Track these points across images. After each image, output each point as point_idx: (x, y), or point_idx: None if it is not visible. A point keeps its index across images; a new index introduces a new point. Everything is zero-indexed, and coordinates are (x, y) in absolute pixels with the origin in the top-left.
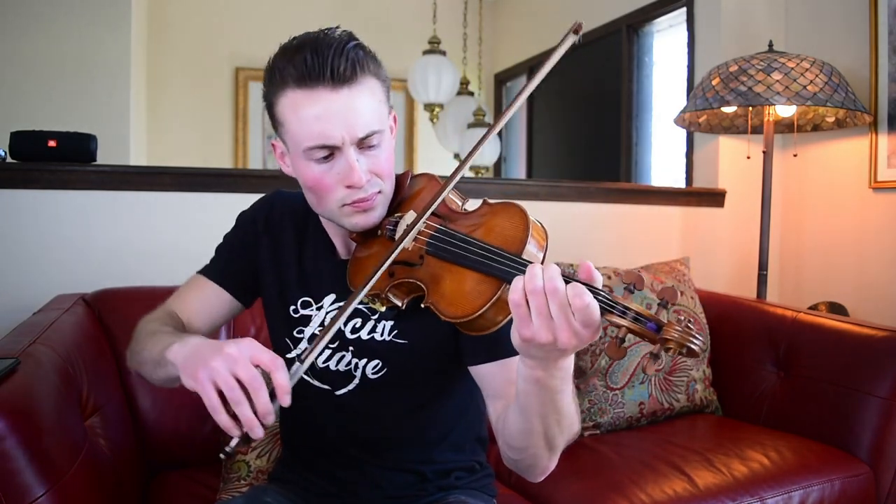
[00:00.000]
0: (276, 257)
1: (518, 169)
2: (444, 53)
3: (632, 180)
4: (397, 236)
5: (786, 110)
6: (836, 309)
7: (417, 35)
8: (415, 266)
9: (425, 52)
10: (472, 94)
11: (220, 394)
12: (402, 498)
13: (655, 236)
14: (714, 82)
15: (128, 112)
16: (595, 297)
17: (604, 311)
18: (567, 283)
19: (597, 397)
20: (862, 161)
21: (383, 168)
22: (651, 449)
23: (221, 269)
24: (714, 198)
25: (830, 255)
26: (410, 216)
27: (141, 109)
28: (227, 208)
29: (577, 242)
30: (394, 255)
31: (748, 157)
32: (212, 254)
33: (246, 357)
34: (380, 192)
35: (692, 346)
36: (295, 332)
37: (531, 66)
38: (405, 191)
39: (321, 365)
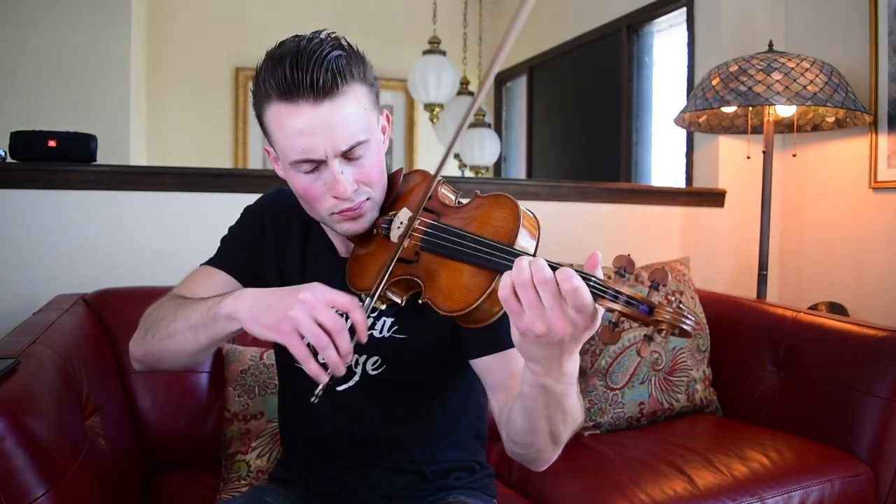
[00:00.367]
0: (280, 253)
1: (518, 169)
2: (444, 53)
3: (632, 180)
4: (391, 234)
5: (786, 110)
6: (836, 309)
7: (417, 35)
8: (411, 263)
9: (425, 52)
10: (472, 94)
11: (306, 342)
12: (402, 498)
13: (655, 236)
14: (714, 82)
15: (128, 112)
16: (586, 283)
17: (596, 297)
18: (554, 269)
19: (597, 397)
20: (862, 161)
21: (370, 176)
22: (651, 449)
23: (228, 258)
24: (714, 198)
25: (830, 255)
26: (404, 214)
27: (141, 109)
28: (227, 208)
29: (577, 242)
30: (395, 259)
31: (748, 157)
32: (211, 253)
33: (323, 301)
34: (368, 199)
35: (684, 326)
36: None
37: (531, 66)
38: (399, 188)
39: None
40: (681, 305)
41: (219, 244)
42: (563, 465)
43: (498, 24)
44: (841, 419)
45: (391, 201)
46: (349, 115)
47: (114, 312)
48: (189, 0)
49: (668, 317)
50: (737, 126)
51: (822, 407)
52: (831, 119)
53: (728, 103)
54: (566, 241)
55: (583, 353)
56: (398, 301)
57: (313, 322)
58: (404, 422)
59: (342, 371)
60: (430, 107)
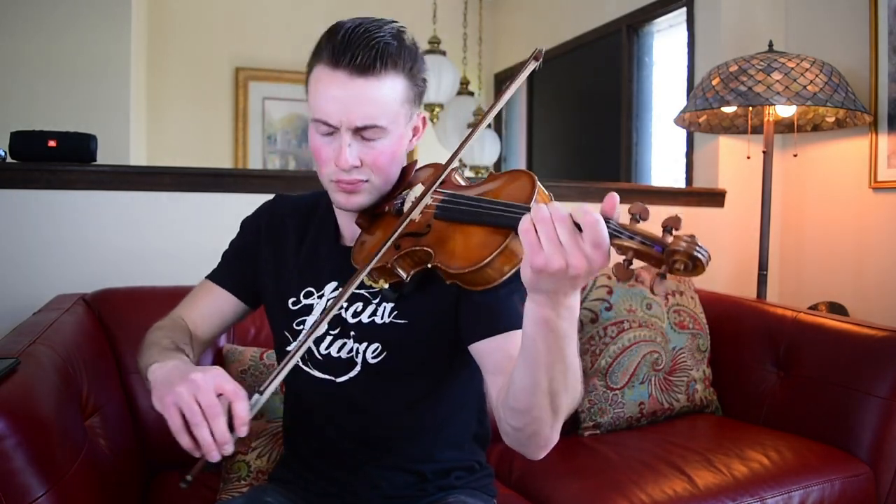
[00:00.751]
0: (276, 256)
1: None
2: (444, 53)
3: (632, 180)
4: (405, 208)
5: (786, 110)
6: (836, 309)
7: (417, 35)
8: (421, 235)
9: (425, 52)
10: (472, 94)
11: (185, 418)
12: (402, 498)
13: None
14: (714, 82)
15: (128, 112)
16: (607, 224)
17: (612, 237)
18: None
19: (597, 397)
20: (862, 161)
21: (377, 161)
22: (651, 449)
23: (226, 273)
24: (714, 198)
25: (830, 255)
26: (418, 189)
27: (141, 109)
28: (227, 208)
29: None
30: (404, 224)
31: (748, 157)
32: (211, 253)
33: (210, 385)
34: (367, 181)
35: (698, 254)
36: (294, 325)
37: None
38: (411, 178)
39: (323, 352)
40: (696, 240)
41: (220, 258)
42: (563, 465)
43: (498, 24)
44: (841, 419)
45: (402, 190)
46: (376, 97)
47: (114, 312)
48: (189, 0)
49: (683, 246)
50: (737, 126)
51: (822, 407)
52: (831, 119)
53: (728, 103)
54: None
55: (583, 353)
56: (403, 276)
57: (193, 400)
58: (403, 414)
59: (215, 455)
60: (430, 107)
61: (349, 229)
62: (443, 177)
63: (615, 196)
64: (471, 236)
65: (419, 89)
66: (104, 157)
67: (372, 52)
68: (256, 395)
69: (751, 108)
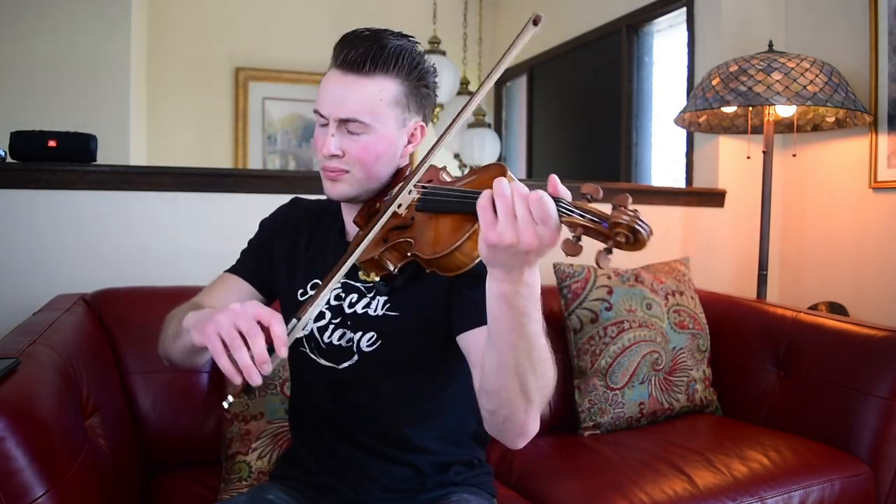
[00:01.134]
0: (289, 252)
1: (518, 169)
2: (444, 53)
3: (632, 180)
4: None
5: (786, 110)
6: (836, 309)
7: (417, 35)
8: (406, 228)
9: (425, 52)
10: (471, 94)
11: (224, 343)
12: (402, 492)
13: (655, 236)
14: (714, 82)
15: (128, 112)
16: (556, 203)
17: (561, 215)
18: None
19: (597, 397)
20: (862, 161)
21: (357, 155)
22: (651, 449)
23: (244, 265)
24: (714, 198)
25: (830, 255)
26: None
27: (141, 109)
28: (227, 208)
29: None
30: (388, 211)
31: (748, 157)
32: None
33: (248, 311)
34: (348, 171)
35: (639, 227)
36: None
37: (531, 66)
38: (404, 179)
39: (326, 340)
40: (639, 214)
41: (239, 255)
42: (563, 465)
43: (498, 24)
44: (841, 419)
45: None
46: (362, 95)
47: (114, 312)
48: (189, 0)
49: (626, 219)
50: (737, 126)
51: (822, 407)
52: (831, 119)
53: (728, 103)
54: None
55: (583, 353)
56: (391, 268)
57: (232, 327)
58: (400, 404)
59: (256, 379)
60: None
61: (352, 227)
62: (427, 164)
63: (555, 177)
64: (445, 224)
65: (417, 99)
66: (104, 157)
67: (363, 53)
68: (294, 320)
69: (751, 108)
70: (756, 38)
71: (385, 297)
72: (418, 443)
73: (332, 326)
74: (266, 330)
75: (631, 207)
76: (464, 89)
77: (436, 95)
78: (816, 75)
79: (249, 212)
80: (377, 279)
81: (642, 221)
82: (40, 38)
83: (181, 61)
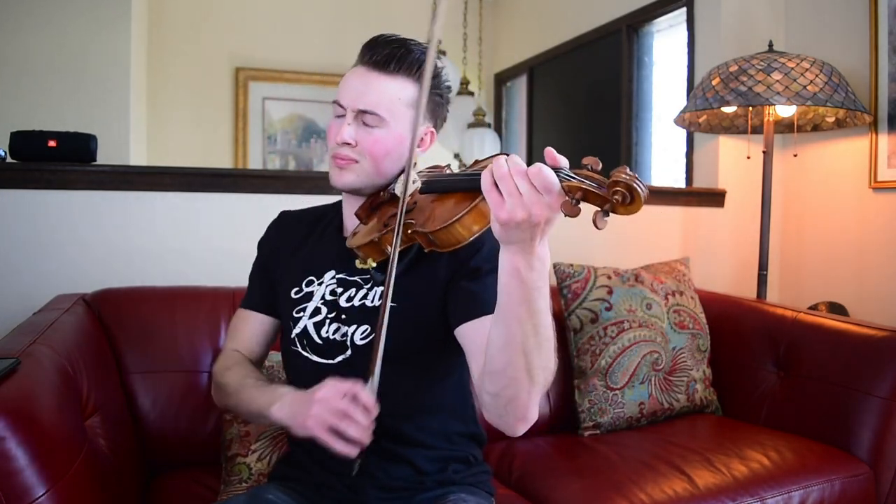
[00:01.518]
0: (285, 260)
1: None
2: (444, 53)
3: None
4: (396, 189)
5: (786, 110)
6: (836, 309)
7: (417, 35)
8: (407, 212)
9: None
10: (472, 94)
11: (332, 430)
12: (401, 490)
13: (655, 236)
14: (714, 82)
15: (128, 112)
16: (556, 172)
17: (562, 180)
18: None
19: (597, 397)
20: (862, 161)
21: (370, 147)
22: (651, 449)
23: (251, 297)
24: (714, 198)
25: (830, 255)
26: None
27: (141, 109)
28: (227, 208)
29: (576, 242)
30: (406, 196)
31: (748, 157)
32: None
33: (333, 394)
34: (356, 161)
35: (637, 186)
36: (294, 313)
37: (531, 66)
38: None
39: (323, 336)
40: (636, 176)
41: (248, 282)
42: (563, 465)
43: (498, 24)
44: (841, 419)
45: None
46: (383, 91)
47: (114, 312)
48: (189, 0)
49: (624, 178)
50: (737, 126)
51: (822, 407)
52: (831, 119)
53: (728, 103)
54: (565, 241)
55: (583, 353)
56: (390, 252)
57: (331, 415)
58: (395, 397)
59: (367, 439)
60: None
61: (351, 221)
62: (417, 136)
63: (551, 149)
64: (447, 202)
65: (432, 106)
66: (104, 157)
67: (389, 54)
68: (369, 380)
69: (751, 108)
70: (756, 38)
71: (381, 288)
72: (413, 437)
73: (327, 321)
74: (355, 399)
75: (629, 172)
76: (464, 89)
77: (447, 109)
78: (816, 75)
79: (249, 212)
80: (374, 265)
81: (639, 181)
82: (40, 38)
83: (181, 61)
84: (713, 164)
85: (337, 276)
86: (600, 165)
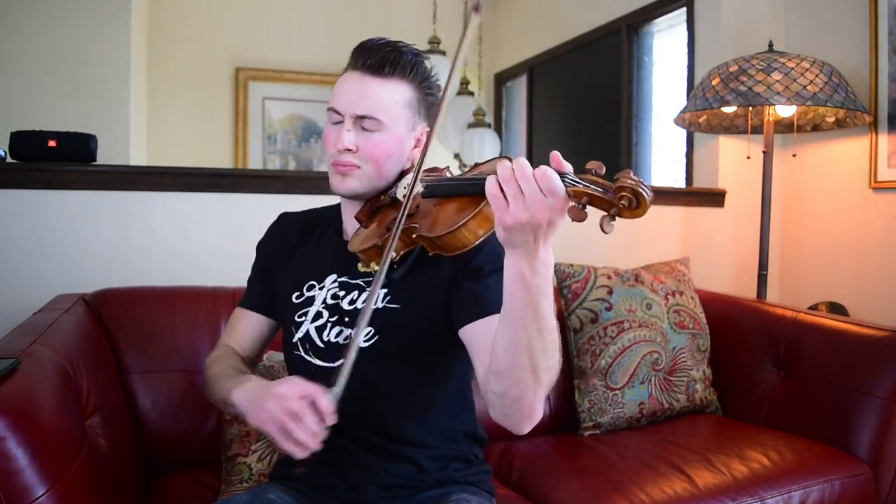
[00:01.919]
0: (286, 263)
1: None
2: (444, 53)
3: None
4: (398, 193)
5: (786, 110)
6: (836, 309)
7: (417, 35)
8: (410, 216)
9: (425, 52)
10: (472, 94)
11: (281, 427)
12: (402, 489)
13: (655, 236)
14: (714, 82)
15: (128, 112)
16: (561, 177)
17: (567, 185)
18: None
19: (597, 397)
20: (862, 161)
21: (370, 151)
22: (651, 449)
23: (249, 297)
24: (714, 198)
25: (830, 255)
26: (408, 178)
27: (141, 109)
28: (227, 208)
29: (576, 242)
30: (409, 200)
31: (748, 157)
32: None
33: (293, 393)
34: (357, 167)
35: (643, 191)
36: (296, 317)
37: (531, 66)
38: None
39: (324, 339)
40: (642, 181)
41: (246, 284)
42: (563, 465)
43: (498, 24)
44: (841, 419)
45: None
46: (380, 94)
47: (114, 312)
48: (189, 0)
49: (630, 183)
50: (737, 126)
51: (822, 407)
52: (831, 119)
53: (728, 103)
54: (565, 241)
55: (583, 353)
56: (394, 255)
57: (282, 411)
58: (394, 397)
59: (315, 446)
60: None
61: (351, 224)
62: (427, 146)
63: (557, 153)
64: (450, 207)
65: (426, 106)
66: (104, 157)
67: (383, 58)
68: (333, 389)
69: (751, 108)
70: (756, 38)
71: (385, 290)
72: (415, 436)
73: (329, 325)
74: (312, 404)
75: (634, 176)
76: (464, 89)
77: (439, 109)
78: (816, 75)
79: (249, 212)
80: (376, 269)
81: (645, 186)
82: (40, 38)
83: (181, 61)
84: (713, 164)
85: (339, 280)
86: (604, 170)
